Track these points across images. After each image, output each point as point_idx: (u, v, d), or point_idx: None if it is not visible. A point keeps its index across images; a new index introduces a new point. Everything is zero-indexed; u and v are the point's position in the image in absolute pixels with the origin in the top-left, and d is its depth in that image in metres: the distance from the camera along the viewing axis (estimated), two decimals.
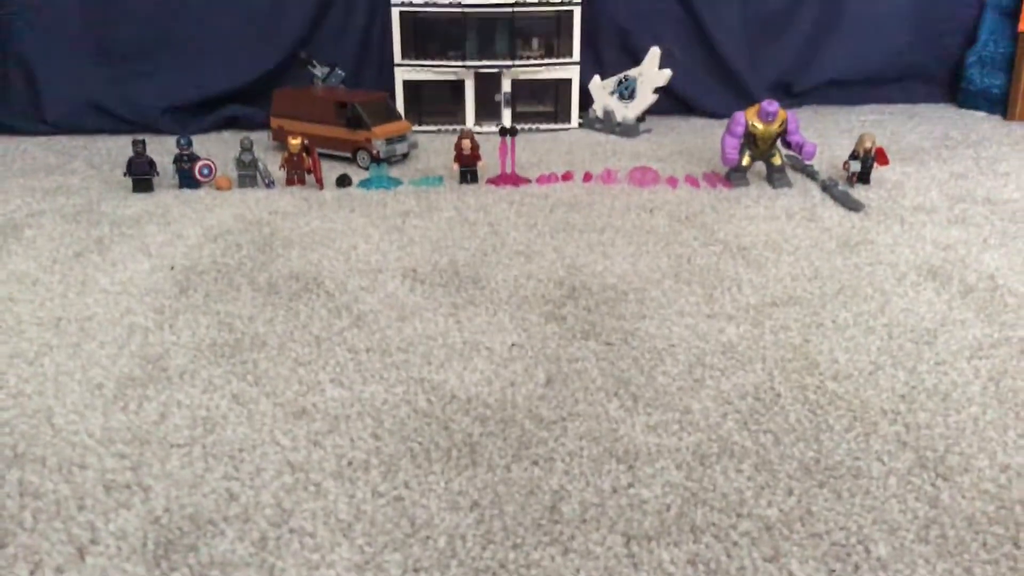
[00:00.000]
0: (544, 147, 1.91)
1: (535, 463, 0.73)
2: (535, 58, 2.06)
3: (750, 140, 1.52)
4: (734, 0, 2.25)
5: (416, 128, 1.94)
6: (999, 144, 1.90)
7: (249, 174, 1.56)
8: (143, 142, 1.53)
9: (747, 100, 1.95)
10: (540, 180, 1.60)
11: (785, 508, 0.66)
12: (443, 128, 2.07)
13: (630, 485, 0.70)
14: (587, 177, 1.61)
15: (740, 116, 1.51)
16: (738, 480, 0.70)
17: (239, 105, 2.09)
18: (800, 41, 2.33)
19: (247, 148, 1.55)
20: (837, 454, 0.73)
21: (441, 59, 2.04)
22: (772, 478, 0.70)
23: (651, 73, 1.98)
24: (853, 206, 1.42)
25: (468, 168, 1.58)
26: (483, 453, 0.74)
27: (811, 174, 1.61)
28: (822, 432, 0.77)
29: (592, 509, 0.67)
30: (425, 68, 2.04)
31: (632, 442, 0.75)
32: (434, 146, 1.90)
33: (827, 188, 1.51)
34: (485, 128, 2.04)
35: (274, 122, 1.85)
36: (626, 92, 2.04)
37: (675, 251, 1.23)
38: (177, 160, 1.54)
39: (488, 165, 1.61)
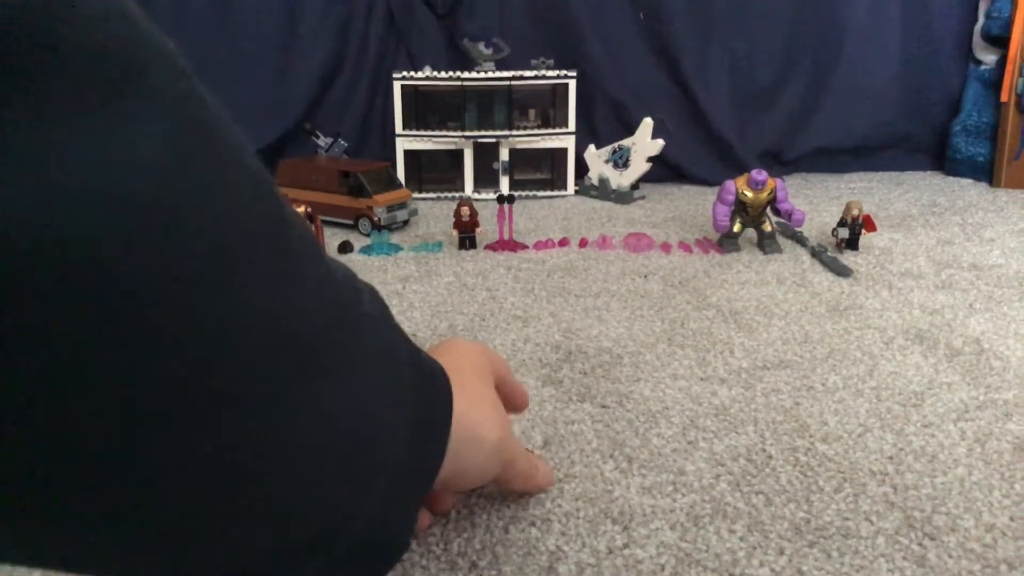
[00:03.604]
0: (541, 214, 1.95)
1: (532, 524, 0.74)
2: (532, 128, 2.12)
3: (740, 208, 1.57)
4: (723, 75, 2.33)
5: (416, 195, 1.99)
6: (985, 211, 1.95)
7: None
8: None
9: (737, 169, 2.01)
10: (537, 246, 1.64)
11: (776, 568, 0.68)
12: (443, 195, 2.12)
13: (625, 546, 0.71)
14: (583, 243, 1.65)
15: (730, 184, 1.56)
16: (731, 540, 0.71)
17: None
18: (788, 112, 2.40)
19: None
20: (827, 514, 0.75)
21: (441, 129, 2.10)
22: (764, 538, 0.72)
23: (644, 143, 2.04)
24: (842, 272, 1.45)
25: (467, 234, 1.63)
26: (481, 515, 0.76)
27: (800, 240, 1.65)
28: (812, 493, 0.78)
29: (588, 570, 0.68)
30: (425, 138, 2.10)
31: (627, 503, 0.77)
32: (434, 213, 1.94)
33: (816, 254, 1.55)
34: (483, 195, 2.09)
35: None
36: (620, 161, 2.10)
37: (669, 315, 1.26)
38: None
39: (486, 231, 1.66)
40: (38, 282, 0.21)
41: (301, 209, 1.58)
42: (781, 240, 1.64)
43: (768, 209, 1.58)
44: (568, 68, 2.09)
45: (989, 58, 2.35)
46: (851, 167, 2.47)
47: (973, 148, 2.35)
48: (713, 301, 1.32)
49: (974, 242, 1.67)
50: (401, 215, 1.78)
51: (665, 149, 2.05)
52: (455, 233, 1.63)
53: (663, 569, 0.68)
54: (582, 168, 2.17)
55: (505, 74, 2.06)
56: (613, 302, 1.32)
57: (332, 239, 1.64)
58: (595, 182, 2.15)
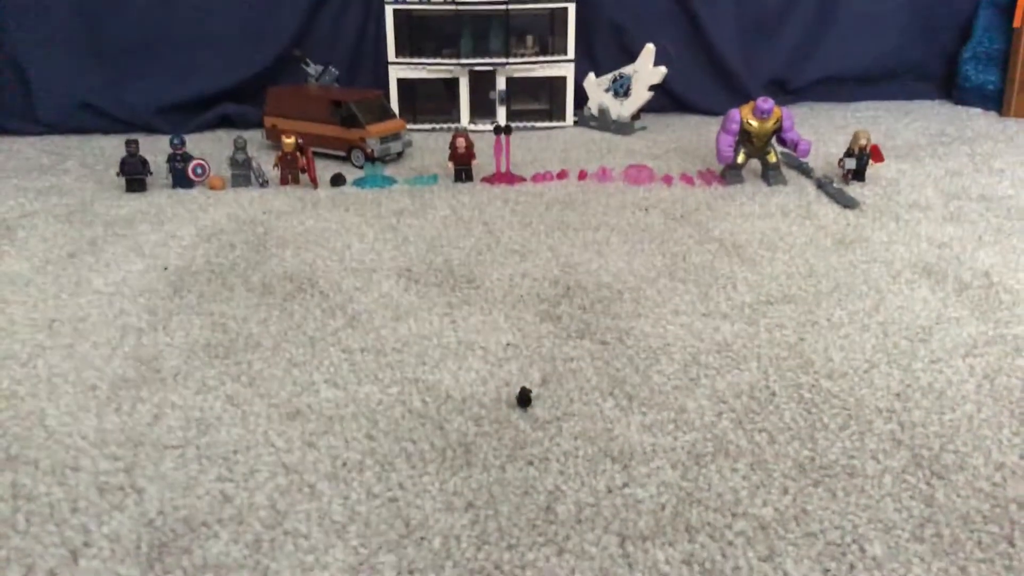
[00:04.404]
0: (539, 145, 1.90)
1: (530, 463, 0.73)
2: (530, 56, 2.05)
3: (745, 137, 1.52)
4: None
5: (411, 127, 1.94)
6: (994, 141, 1.90)
7: (243, 173, 1.55)
8: (136, 142, 1.53)
9: (742, 97, 1.95)
10: (535, 178, 1.60)
11: (780, 507, 0.66)
12: (438, 127, 2.07)
13: (625, 485, 0.69)
14: (582, 175, 1.61)
15: (735, 113, 1.51)
16: (733, 479, 0.70)
17: (233, 104, 2.08)
18: (795, 39, 2.33)
19: (241, 147, 1.54)
20: (832, 453, 0.73)
21: (435, 57, 2.03)
22: (767, 477, 0.70)
23: (646, 70, 1.98)
24: (848, 203, 1.42)
25: (463, 167, 1.58)
26: (478, 453, 0.74)
27: (806, 171, 1.61)
28: (817, 431, 0.77)
29: (587, 509, 0.67)
30: (419, 66, 2.03)
31: (627, 442, 0.75)
32: (428, 145, 1.89)
33: (822, 185, 1.51)
34: (480, 126, 2.03)
35: (268, 121, 1.85)
36: (621, 89, 2.03)
37: (670, 249, 1.23)
38: (170, 160, 1.54)
39: (483, 164, 1.61)
40: None
41: (291, 140, 1.54)
42: (786, 171, 1.59)
43: (774, 139, 1.53)
44: None
45: None
46: (858, 96, 2.40)
47: (983, 76, 2.29)
48: (715, 234, 1.29)
49: (983, 173, 1.63)
50: (395, 147, 1.73)
51: (668, 77, 1.99)
52: (451, 165, 1.58)
53: (664, 508, 0.66)
54: (581, 98, 2.11)
55: None
56: (613, 236, 1.29)
57: (324, 172, 1.59)
58: (595, 112, 2.09)
